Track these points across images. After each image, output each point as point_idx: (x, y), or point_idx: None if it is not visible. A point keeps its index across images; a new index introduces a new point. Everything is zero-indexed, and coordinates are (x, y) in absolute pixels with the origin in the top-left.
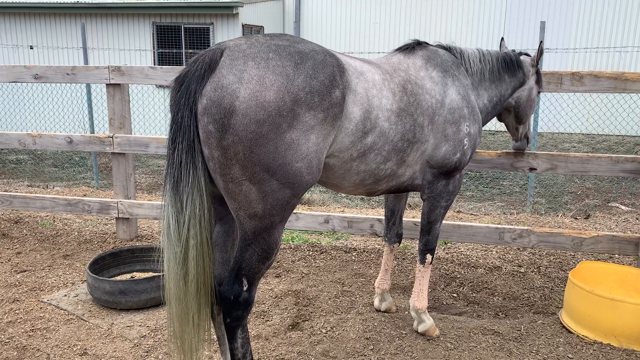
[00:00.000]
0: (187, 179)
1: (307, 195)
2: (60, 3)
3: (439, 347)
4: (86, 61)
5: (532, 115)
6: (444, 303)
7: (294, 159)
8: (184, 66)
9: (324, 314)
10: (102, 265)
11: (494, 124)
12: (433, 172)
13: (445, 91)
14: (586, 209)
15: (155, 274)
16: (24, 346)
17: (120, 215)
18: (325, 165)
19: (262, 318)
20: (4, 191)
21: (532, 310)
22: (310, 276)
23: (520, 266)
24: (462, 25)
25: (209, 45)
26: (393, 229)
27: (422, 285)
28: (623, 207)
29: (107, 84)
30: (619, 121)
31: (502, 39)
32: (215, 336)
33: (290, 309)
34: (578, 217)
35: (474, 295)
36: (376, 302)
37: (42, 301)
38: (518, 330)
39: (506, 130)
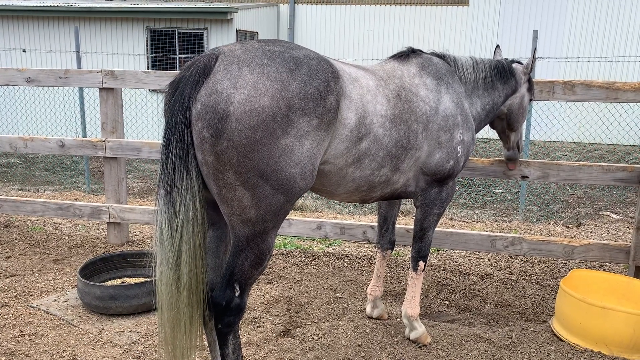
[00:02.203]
0: (180, 184)
1: (300, 202)
2: (54, 6)
3: (431, 354)
4: (79, 65)
5: (524, 123)
6: (436, 310)
7: (288, 165)
8: (178, 71)
9: (316, 320)
10: (93, 270)
11: (487, 132)
12: (426, 179)
13: (439, 99)
14: (577, 217)
15: (146, 279)
16: (13, 351)
17: (112, 220)
18: (320, 172)
19: (254, 324)
20: None
21: (523, 318)
22: (302, 282)
23: (512, 274)
24: (455, 33)
25: (203, 51)
26: (386, 236)
27: (414, 292)
28: (614, 216)
29: (100, 88)
30: (610, 130)
31: (498, 46)
32: (206, 342)
33: (282, 315)
34: (569, 225)
35: (466, 302)
36: (368, 309)
37: (31, 306)
38: (509, 338)
39: (499, 138)
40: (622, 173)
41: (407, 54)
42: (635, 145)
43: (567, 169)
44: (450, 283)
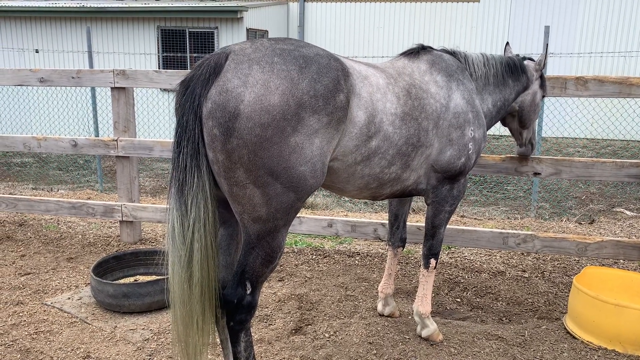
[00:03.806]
0: (191, 182)
1: (310, 199)
2: (66, 7)
3: (443, 352)
4: (91, 65)
5: (537, 120)
6: (448, 308)
7: (298, 163)
8: (189, 70)
9: (327, 318)
10: (106, 268)
11: (499, 129)
12: (437, 176)
13: (449, 95)
14: (590, 214)
15: (159, 277)
16: (28, 349)
17: (124, 219)
18: (329, 169)
19: (265, 322)
20: (9, 194)
21: (536, 316)
22: (313, 280)
23: (524, 271)
24: (466, 30)
25: (213, 50)
26: (397, 234)
27: (425, 289)
28: (628, 212)
29: (111, 88)
30: (624, 126)
31: (508, 43)
32: (218, 340)
33: (294, 313)
34: (582, 222)
35: (478, 300)
36: (379, 307)
37: (45, 304)
38: (522, 336)
39: (510, 134)
40: (636, 169)
41: (417, 51)
42: None
43: (580, 165)
44: (462, 281)
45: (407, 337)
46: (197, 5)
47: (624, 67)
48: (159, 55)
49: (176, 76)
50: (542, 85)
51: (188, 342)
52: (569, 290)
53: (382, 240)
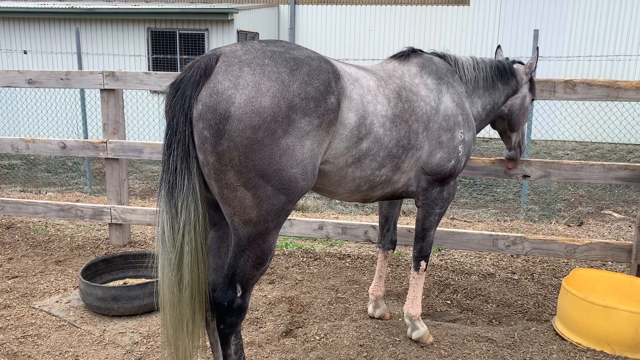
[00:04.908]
0: (182, 184)
1: (301, 202)
2: (55, 8)
3: (433, 354)
4: (80, 66)
5: (526, 123)
6: (438, 310)
7: (289, 165)
8: (179, 72)
9: (318, 320)
10: (95, 271)
11: (488, 131)
12: (427, 178)
13: (439, 98)
14: (579, 217)
15: (148, 280)
16: (15, 352)
17: (114, 221)
18: (320, 172)
19: (256, 325)
20: None
21: (525, 317)
22: (304, 283)
23: (513, 273)
24: (456, 33)
25: (204, 51)
26: (387, 236)
27: (416, 292)
28: (616, 215)
29: (101, 89)
30: (612, 129)
31: (499, 46)
32: (208, 343)
33: (284, 315)
34: (571, 225)
35: (468, 302)
36: (370, 309)
37: (33, 307)
38: (512, 338)
39: (500, 137)
40: (623, 172)
41: (407, 54)
42: (636, 144)
43: (569, 168)
44: (452, 283)
45: (398, 339)
46: (187, 7)
47: (612, 70)
48: (148, 57)
49: (166, 78)
50: (532, 89)
51: (178, 345)
52: (558, 292)
53: (373, 243)
